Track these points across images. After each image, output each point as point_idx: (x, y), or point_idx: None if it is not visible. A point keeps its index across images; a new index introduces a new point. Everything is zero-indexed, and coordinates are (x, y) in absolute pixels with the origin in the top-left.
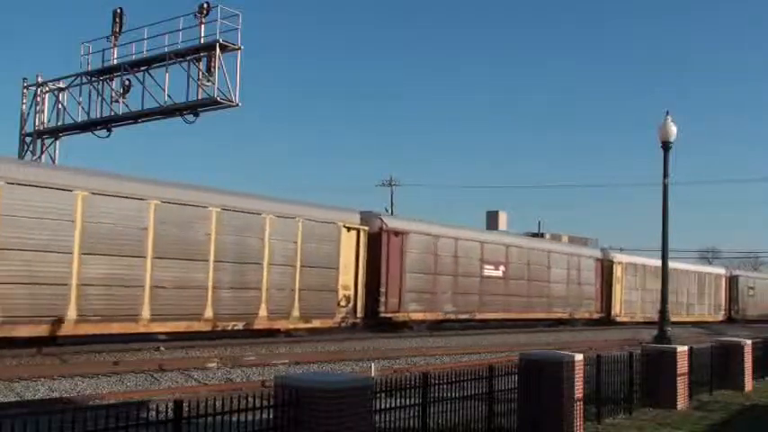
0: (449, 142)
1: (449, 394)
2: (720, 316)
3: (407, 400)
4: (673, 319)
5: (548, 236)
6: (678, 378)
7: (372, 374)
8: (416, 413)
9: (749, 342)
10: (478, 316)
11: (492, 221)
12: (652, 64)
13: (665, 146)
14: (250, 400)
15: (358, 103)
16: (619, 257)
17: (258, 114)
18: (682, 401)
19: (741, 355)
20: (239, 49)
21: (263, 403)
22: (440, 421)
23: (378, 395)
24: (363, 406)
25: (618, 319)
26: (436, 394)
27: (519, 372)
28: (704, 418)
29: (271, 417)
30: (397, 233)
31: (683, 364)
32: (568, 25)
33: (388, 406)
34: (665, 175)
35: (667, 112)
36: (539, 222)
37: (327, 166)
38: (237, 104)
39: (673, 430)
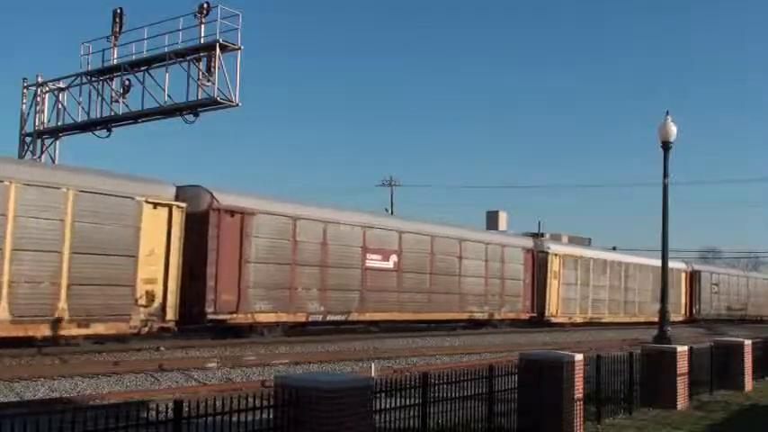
0: (449, 142)
1: (449, 394)
2: (680, 316)
3: (407, 400)
4: (618, 319)
5: (548, 236)
6: (678, 378)
7: (372, 374)
8: (416, 413)
9: (749, 342)
10: (358, 317)
11: (492, 221)
12: (652, 64)
13: (665, 146)
14: (250, 400)
15: (358, 103)
16: (556, 248)
17: (258, 114)
18: (682, 401)
19: (741, 355)
20: (239, 49)
21: (263, 403)
22: (440, 421)
23: (378, 395)
24: (363, 406)
25: (553, 319)
26: (436, 394)
27: (519, 372)
28: (704, 418)
29: (271, 417)
30: (233, 212)
31: (683, 364)
32: (568, 25)
33: (388, 406)
34: (665, 175)
35: (667, 112)
36: (539, 222)
37: (327, 166)
38: (237, 104)
39: (673, 430)
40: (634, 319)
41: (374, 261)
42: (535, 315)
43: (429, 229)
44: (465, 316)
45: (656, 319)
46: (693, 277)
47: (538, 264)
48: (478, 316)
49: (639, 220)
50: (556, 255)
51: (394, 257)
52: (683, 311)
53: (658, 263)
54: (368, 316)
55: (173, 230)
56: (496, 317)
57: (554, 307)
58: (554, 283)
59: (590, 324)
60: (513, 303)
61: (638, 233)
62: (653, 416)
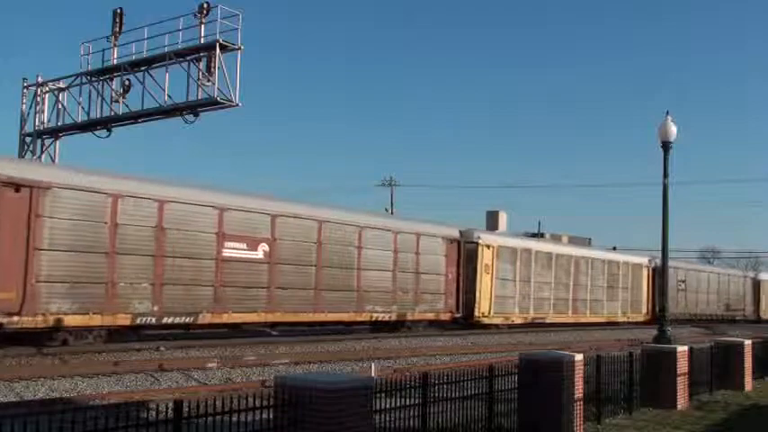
0: (449, 142)
1: (449, 394)
2: (640, 316)
3: (407, 400)
4: (565, 319)
5: (548, 236)
6: (678, 378)
7: (372, 374)
8: (416, 413)
9: (749, 342)
10: (212, 319)
11: (492, 221)
12: (652, 64)
13: (665, 146)
14: (250, 400)
15: (358, 103)
16: (487, 238)
17: (258, 114)
18: (682, 401)
19: (741, 355)
20: (239, 49)
21: (263, 403)
22: (440, 421)
23: (378, 395)
24: (363, 406)
25: (485, 320)
26: (436, 394)
27: (519, 372)
28: (704, 418)
29: (271, 417)
30: (18, 186)
31: (683, 364)
32: (568, 25)
33: (388, 406)
34: (665, 175)
35: (667, 113)
36: (539, 222)
37: (327, 166)
38: (237, 104)
39: (673, 430)
40: (584, 320)
41: (235, 250)
42: (460, 315)
43: (316, 214)
44: (365, 317)
45: (612, 320)
46: (657, 274)
47: (465, 256)
48: (383, 317)
49: (639, 220)
50: (488, 246)
51: (264, 246)
52: (644, 311)
53: (615, 256)
54: (225, 318)
55: None
56: (409, 317)
57: (485, 306)
58: (486, 278)
59: (531, 325)
60: (431, 302)
61: (638, 233)
62: (653, 416)
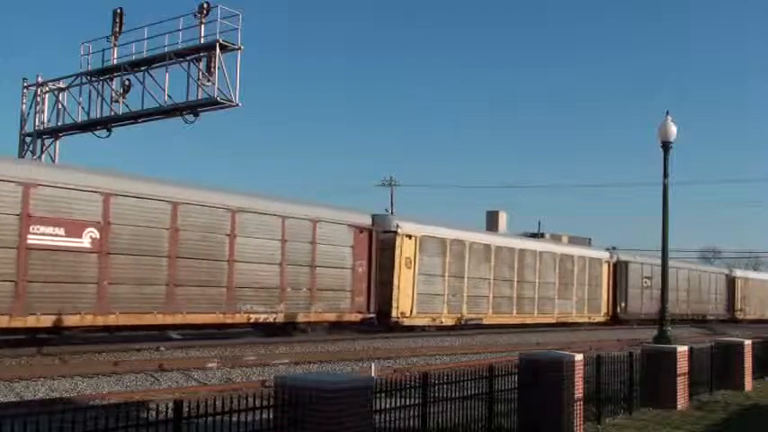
0: (449, 142)
1: (449, 394)
2: (599, 316)
3: (407, 400)
4: (508, 319)
5: (548, 236)
6: (678, 378)
7: (372, 374)
8: (416, 413)
9: (749, 342)
10: (10, 322)
11: (492, 221)
12: (652, 64)
13: (665, 146)
14: (250, 400)
15: (358, 103)
16: (408, 227)
17: (258, 114)
18: (682, 401)
19: (741, 355)
20: (239, 49)
21: (263, 403)
22: (440, 421)
23: (378, 395)
24: (363, 406)
25: (405, 321)
26: (436, 394)
27: (519, 372)
28: (704, 418)
29: (271, 417)
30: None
31: (683, 364)
32: (568, 25)
33: (388, 406)
34: (665, 174)
35: (667, 113)
36: (539, 222)
37: (327, 166)
38: (237, 104)
39: (673, 430)
40: (530, 320)
41: (48, 237)
42: (373, 316)
43: (168, 193)
44: (240, 318)
45: (565, 320)
46: (619, 269)
47: (379, 247)
48: (265, 318)
49: (639, 220)
50: (409, 236)
51: (93, 232)
52: (603, 310)
53: (568, 249)
54: (32, 320)
55: None
56: (302, 319)
57: (406, 305)
58: (406, 273)
59: (466, 327)
60: (333, 300)
61: (639, 233)
62: (653, 416)
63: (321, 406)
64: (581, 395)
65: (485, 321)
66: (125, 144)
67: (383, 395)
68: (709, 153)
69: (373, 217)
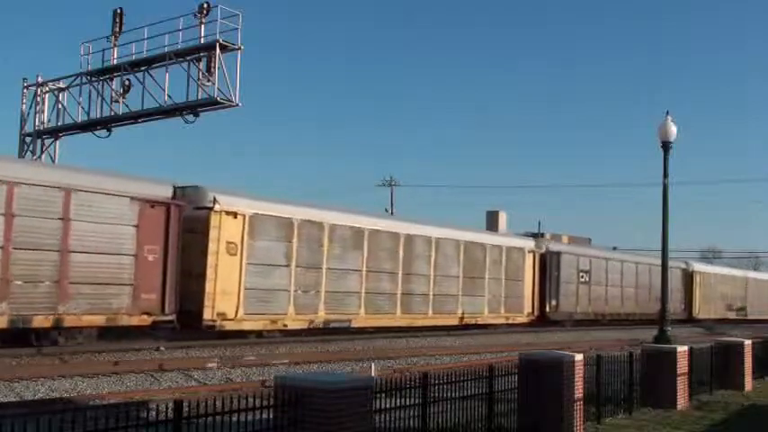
0: (449, 142)
1: (449, 394)
2: (522, 316)
3: (407, 400)
4: (389, 321)
5: (548, 236)
6: (678, 378)
7: (372, 374)
8: (416, 413)
9: (749, 342)
10: None
11: (492, 221)
12: (652, 63)
13: (665, 146)
14: (250, 400)
15: (358, 103)
16: (231, 201)
17: (258, 114)
18: (682, 401)
19: (741, 355)
20: (239, 48)
21: (263, 403)
22: (440, 421)
23: (378, 395)
24: (363, 406)
25: (227, 325)
26: (436, 394)
27: (519, 372)
28: (704, 418)
29: (271, 417)
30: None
31: (683, 364)
32: (569, 25)
33: (388, 406)
34: (665, 175)
35: (667, 112)
36: (539, 222)
37: (327, 166)
38: (237, 104)
39: (673, 430)
40: (423, 322)
41: None
42: (170, 318)
43: None
44: None
45: (474, 322)
46: (549, 261)
47: (184, 228)
48: None
49: (639, 221)
50: (233, 214)
51: None
52: (527, 309)
53: (478, 236)
54: None
55: None
56: (42, 324)
57: (227, 304)
58: (228, 262)
59: (326, 331)
60: (99, 298)
61: (639, 233)
62: (653, 416)
63: (321, 406)
64: (581, 395)
65: (354, 324)
66: (125, 144)
67: (383, 395)
68: (709, 153)
69: (177, 189)
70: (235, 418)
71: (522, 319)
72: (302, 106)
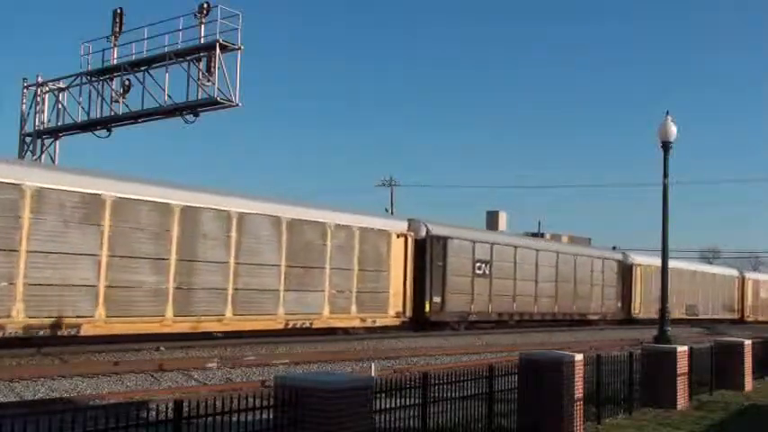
0: (449, 142)
1: (449, 394)
2: (388, 317)
3: (407, 400)
4: (157, 327)
5: (548, 236)
6: (678, 378)
7: (372, 374)
8: (416, 413)
9: (749, 342)
10: None
11: (492, 221)
12: (652, 64)
13: (665, 146)
14: (250, 400)
15: (358, 103)
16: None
17: (258, 114)
18: (682, 401)
19: (741, 355)
20: (239, 49)
21: (263, 403)
22: (440, 421)
23: (378, 395)
24: (363, 406)
25: None
26: (436, 394)
27: (519, 372)
28: (704, 418)
29: (271, 417)
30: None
31: (683, 364)
32: (569, 25)
33: (388, 406)
34: (665, 174)
35: (667, 112)
36: (539, 222)
37: (327, 166)
38: (237, 104)
39: (673, 430)
40: (213, 327)
41: None
42: None
43: None
44: None
45: (306, 325)
46: (429, 248)
47: None
48: None
49: (639, 221)
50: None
51: None
52: (396, 308)
53: (310, 213)
54: None
55: None
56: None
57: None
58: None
59: (12, 343)
60: None
61: (639, 233)
62: (653, 416)
63: (321, 406)
64: (581, 395)
65: (86, 331)
66: (125, 144)
67: (383, 395)
68: (709, 153)
69: None
70: (235, 418)
71: (386, 320)
72: (302, 106)
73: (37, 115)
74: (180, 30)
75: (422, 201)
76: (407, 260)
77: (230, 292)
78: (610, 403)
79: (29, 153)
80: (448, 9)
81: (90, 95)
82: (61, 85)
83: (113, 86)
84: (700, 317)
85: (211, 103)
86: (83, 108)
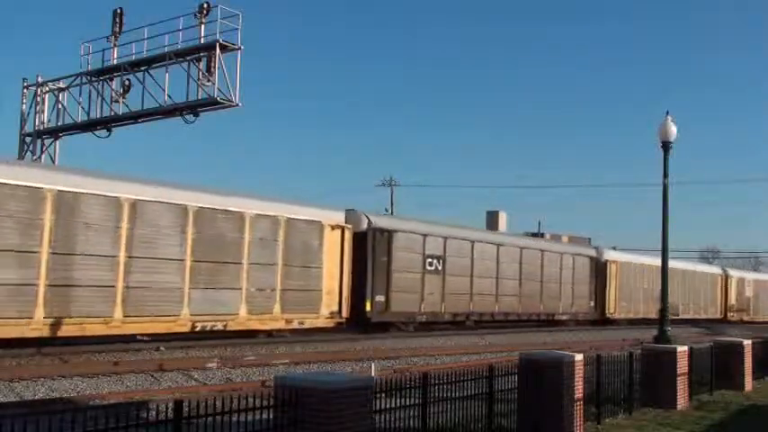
0: (449, 142)
1: (449, 394)
2: (321, 317)
3: (407, 400)
4: (28, 330)
5: (548, 236)
6: (678, 378)
7: (372, 374)
8: (416, 413)
9: (749, 342)
10: None
11: (492, 221)
12: (652, 64)
13: (665, 146)
14: (250, 400)
15: (358, 103)
16: None
17: (258, 114)
18: (682, 401)
19: (741, 355)
20: (239, 49)
21: (263, 403)
22: (440, 421)
23: (378, 395)
24: (363, 406)
25: None
26: (436, 394)
27: (519, 372)
28: (704, 418)
29: (271, 417)
30: None
31: (683, 364)
32: (568, 26)
33: (388, 406)
34: (665, 174)
35: (667, 112)
36: (539, 222)
37: (327, 166)
38: (237, 104)
39: (673, 430)
40: (101, 330)
41: None
42: None
43: None
44: None
45: (216, 328)
46: (371, 242)
47: None
48: None
49: (639, 221)
50: None
51: None
52: (331, 308)
53: (211, 200)
54: None
55: None
56: None
57: None
58: None
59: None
60: None
61: (639, 233)
62: (653, 416)
63: (321, 406)
64: (581, 395)
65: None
66: (125, 144)
67: (383, 395)
68: (709, 153)
69: None
70: (235, 418)
71: (318, 321)
72: (302, 106)
73: (37, 115)
74: (180, 30)
75: (422, 201)
76: (344, 255)
77: (120, 290)
78: (610, 403)
79: (29, 153)
80: (448, 9)
81: (90, 95)
82: (61, 85)
83: (113, 86)
84: (680, 316)
85: (211, 103)
86: (83, 108)
